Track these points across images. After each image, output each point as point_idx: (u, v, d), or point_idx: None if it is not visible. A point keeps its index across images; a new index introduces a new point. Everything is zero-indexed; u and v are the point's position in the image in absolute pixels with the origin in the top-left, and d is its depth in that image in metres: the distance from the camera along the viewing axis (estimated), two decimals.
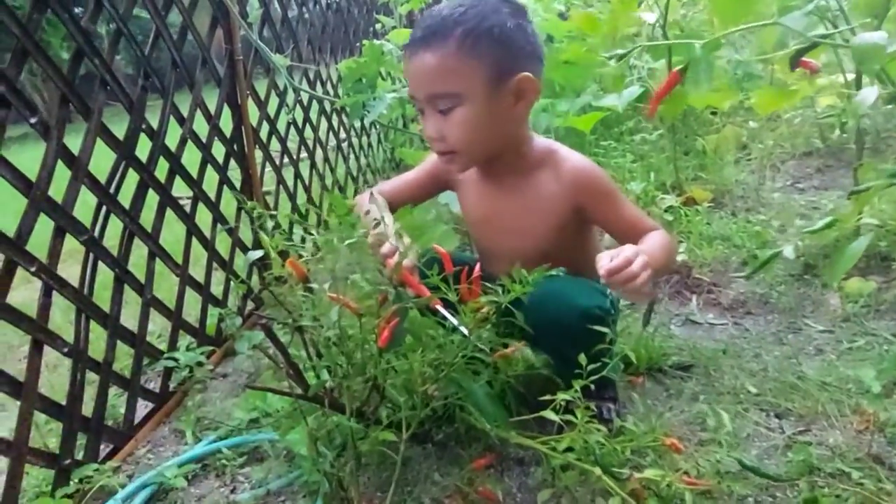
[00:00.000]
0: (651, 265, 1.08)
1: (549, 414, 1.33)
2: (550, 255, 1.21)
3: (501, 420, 1.17)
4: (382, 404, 1.29)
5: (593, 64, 3.28)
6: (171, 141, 1.88)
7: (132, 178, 1.73)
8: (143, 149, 1.76)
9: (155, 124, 1.81)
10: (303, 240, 1.06)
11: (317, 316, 1.08)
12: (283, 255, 1.15)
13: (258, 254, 1.15)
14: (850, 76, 1.82)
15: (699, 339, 1.87)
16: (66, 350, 1.51)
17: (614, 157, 2.90)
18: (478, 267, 1.14)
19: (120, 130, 1.68)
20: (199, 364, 1.91)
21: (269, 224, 1.20)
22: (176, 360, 1.86)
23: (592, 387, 1.22)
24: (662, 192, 2.58)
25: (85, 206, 1.57)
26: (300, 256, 1.09)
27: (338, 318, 1.04)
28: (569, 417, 1.20)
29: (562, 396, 1.23)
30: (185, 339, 2.05)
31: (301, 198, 2.79)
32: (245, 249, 2.31)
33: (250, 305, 2.39)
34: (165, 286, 2.19)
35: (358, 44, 3.07)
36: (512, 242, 1.41)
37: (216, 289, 2.20)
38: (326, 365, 1.22)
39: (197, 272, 2.09)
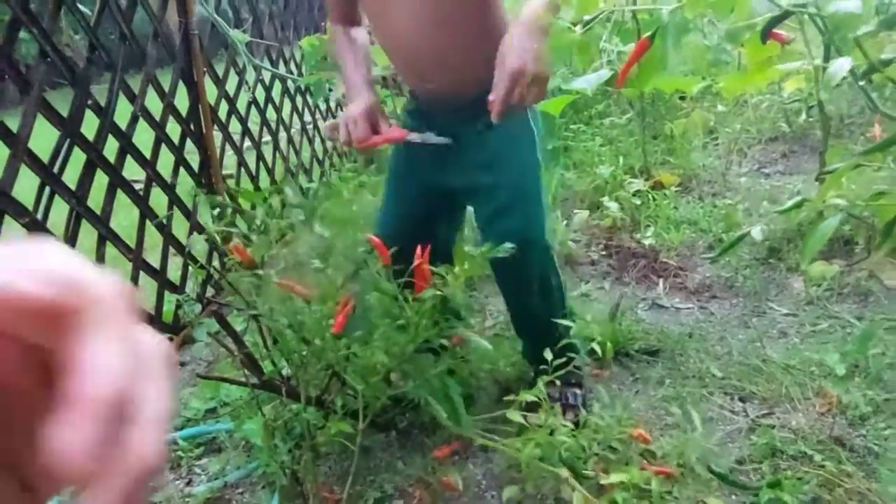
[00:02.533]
0: (529, 58, 1.01)
1: (513, 415, 1.29)
2: (454, 18, 1.19)
3: (457, 415, 1.14)
4: (341, 392, 1.24)
5: (563, 45, 3.25)
6: (122, 119, 1.79)
7: (78, 157, 1.64)
8: (90, 127, 1.67)
9: (103, 102, 1.71)
10: (250, 226, 1.00)
11: (269, 304, 1.02)
12: (228, 240, 1.09)
13: (200, 239, 1.08)
14: (818, 61, 1.82)
15: (665, 323, 1.86)
16: None
17: (584, 141, 2.87)
18: (424, 252, 1.04)
19: (65, 109, 1.58)
20: None
21: (223, 208, 1.14)
22: None
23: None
24: (631, 176, 2.56)
25: (27, 187, 1.49)
26: (248, 242, 1.04)
27: (289, 304, 0.98)
28: (534, 398, 1.17)
29: (524, 396, 1.21)
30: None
31: (264, 181, 2.71)
32: (203, 231, 2.22)
33: (210, 291, 2.31)
34: (119, 272, 2.10)
35: (323, 22, 2.98)
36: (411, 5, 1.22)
37: (174, 274, 2.12)
38: (283, 353, 1.17)
39: (153, 258, 2.00)
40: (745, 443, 1.38)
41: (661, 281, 2.06)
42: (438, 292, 0.94)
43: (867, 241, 1.93)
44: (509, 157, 1.31)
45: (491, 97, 1.02)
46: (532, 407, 1.23)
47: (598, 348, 1.55)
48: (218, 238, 1.09)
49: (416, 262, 0.95)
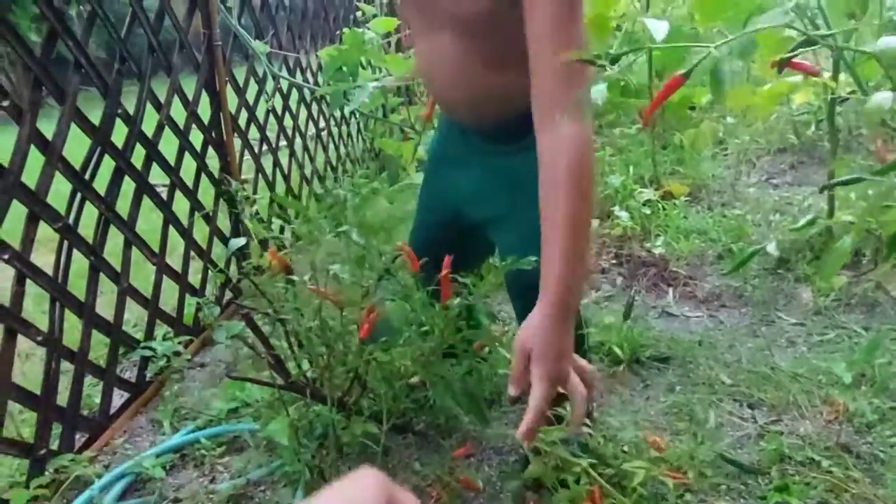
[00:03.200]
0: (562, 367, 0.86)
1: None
2: (483, 32, 1.01)
3: (477, 413, 1.18)
4: (364, 395, 1.29)
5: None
6: (148, 127, 1.84)
7: (108, 164, 1.70)
8: (119, 135, 1.73)
9: (131, 110, 1.77)
10: (281, 230, 1.05)
11: (298, 307, 1.07)
12: (264, 244, 1.14)
13: (241, 241, 1.13)
14: (827, 75, 1.86)
15: (676, 331, 1.90)
16: (39, 339, 1.48)
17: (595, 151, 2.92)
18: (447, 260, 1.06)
19: (95, 116, 1.64)
20: (177, 354, 1.88)
21: (249, 211, 1.19)
22: (153, 349, 1.84)
23: None
24: (640, 186, 2.61)
25: (59, 192, 1.54)
26: (280, 248, 1.08)
27: (318, 310, 1.03)
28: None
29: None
30: (162, 329, 2.02)
31: (280, 186, 2.76)
32: (223, 238, 2.28)
33: (228, 295, 2.37)
34: (142, 275, 2.16)
35: (338, 31, 3.04)
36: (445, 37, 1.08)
37: (194, 277, 2.17)
38: (307, 355, 1.22)
39: (174, 261, 2.05)
40: (754, 449, 1.42)
41: (671, 290, 2.10)
42: (464, 301, 0.98)
43: (874, 253, 1.97)
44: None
45: (522, 427, 0.84)
46: None
47: (617, 350, 1.59)
48: (256, 239, 1.13)
49: (442, 273, 0.99)
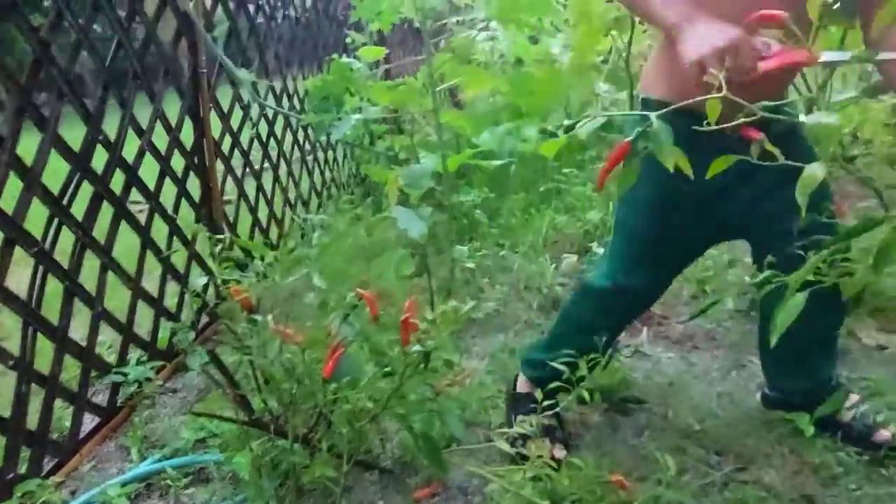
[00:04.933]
0: None
1: (501, 444, 1.36)
2: None
3: (432, 459, 1.19)
4: (328, 433, 1.29)
5: (559, 90, 3.35)
6: (129, 151, 1.85)
7: (87, 189, 1.70)
8: (100, 159, 1.73)
9: (113, 134, 1.78)
10: (244, 267, 1.06)
11: (261, 345, 1.07)
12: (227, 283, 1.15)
13: (202, 281, 1.14)
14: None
15: (648, 372, 1.91)
16: (11, 363, 1.47)
17: (575, 185, 2.96)
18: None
19: (76, 137, 1.64)
20: (148, 379, 1.87)
21: (221, 245, 1.20)
22: (124, 374, 1.82)
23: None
24: None
25: (36, 214, 1.54)
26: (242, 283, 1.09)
27: (280, 348, 1.04)
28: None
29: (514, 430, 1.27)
30: (136, 353, 2.01)
31: (263, 211, 2.77)
32: (202, 263, 2.28)
33: (206, 319, 2.36)
34: (118, 298, 2.15)
35: (327, 58, 3.07)
36: None
37: (170, 301, 2.16)
38: (274, 391, 1.22)
39: (151, 284, 2.05)
40: (719, 498, 1.42)
41: (644, 329, 2.12)
42: (422, 348, 0.99)
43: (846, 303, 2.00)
44: None
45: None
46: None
47: (586, 394, 1.60)
48: (218, 277, 1.14)
49: (403, 318, 1.00)
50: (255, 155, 2.77)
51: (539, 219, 2.84)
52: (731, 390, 1.79)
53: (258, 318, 1.09)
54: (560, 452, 1.49)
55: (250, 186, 2.73)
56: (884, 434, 1.46)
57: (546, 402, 1.34)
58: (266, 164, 2.84)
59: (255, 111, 2.65)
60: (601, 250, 2.47)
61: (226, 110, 2.40)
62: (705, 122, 0.85)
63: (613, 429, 1.68)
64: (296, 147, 3.12)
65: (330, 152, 3.57)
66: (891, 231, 0.75)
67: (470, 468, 1.34)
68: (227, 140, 2.45)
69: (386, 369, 1.11)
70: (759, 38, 0.97)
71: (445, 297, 2.33)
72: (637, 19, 2.51)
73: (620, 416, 1.72)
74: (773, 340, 0.93)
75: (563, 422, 1.61)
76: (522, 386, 1.67)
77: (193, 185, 2.28)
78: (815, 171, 0.76)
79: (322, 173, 3.45)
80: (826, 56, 0.90)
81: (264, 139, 2.79)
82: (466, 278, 2.52)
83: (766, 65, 0.94)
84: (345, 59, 2.59)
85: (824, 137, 0.78)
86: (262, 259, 1.19)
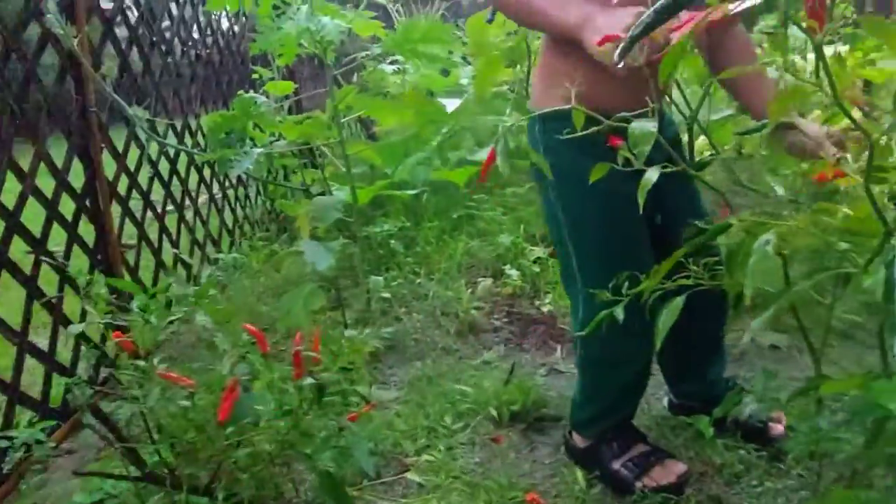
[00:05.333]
0: None
1: (415, 475, 1.34)
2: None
3: (340, 497, 1.15)
4: (231, 481, 1.22)
5: (467, 119, 3.43)
6: (9, 198, 1.74)
7: None
8: None
9: None
10: (125, 309, 1.00)
11: (145, 392, 1.01)
12: (117, 327, 1.09)
13: (79, 328, 1.07)
14: None
15: (563, 389, 1.93)
16: None
17: (487, 210, 3.01)
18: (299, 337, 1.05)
19: None
20: (39, 442, 1.73)
21: (102, 290, 1.14)
22: (10, 438, 1.68)
23: None
24: (531, 244, 2.70)
25: None
26: (125, 330, 1.03)
27: (168, 396, 0.98)
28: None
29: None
30: (27, 414, 1.86)
31: (167, 254, 2.66)
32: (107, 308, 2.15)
33: (105, 372, 2.21)
34: (6, 355, 1.99)
35: (233, 95, 3.01)
36: None
37: (64, 356, 2.02)
38: (165, 441, 1.15)
39: (40, 338, 1.91)
40: None
41: (559, 347, 2.16)
42: (315, 381, 0.97)
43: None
44: None
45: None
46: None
47: (494, 412, 1.62)
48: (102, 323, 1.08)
49: (294, 349, 0.97)
50: (160, 196, 2.67)
51: (453, 245, 2.86)
52: (641, 399, 1.84)
53: (143, 363, 1.03)
54: (681, 466, 1.47)
55: (153, 229, 2.62)
56: (778, 428, 1.53)
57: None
58: (171, 206, 2.74)
59: (154, 150, 2.56)
60: (514, 273, 2.51)
61: (121, 150, 2.30)
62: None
63: (531, 449, 1.69)
64: (202, 186, 3.03)
65: (241, 189, 3.49)
66: (739, 234, 0.80)
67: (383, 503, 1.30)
68: (124, 181, 2.35)
69: (285, 407, 1.07)
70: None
71: (362, 329, 2.30)
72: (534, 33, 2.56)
73: (536, 435, 1.73)
74: (658, 344, 0.96)
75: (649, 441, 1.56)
76: (583, 442, 1.56)
77: (88, 231, 2.17)
78: (650, 176, 0.81)
79: (234, 211, 3.36)
80: (735, 6, 0.86)
81: (166, 179, 2.69)
82: (383, 308, 2.50)
83: (679, 32, 0.94)
84: (252, 94, 2.56)
85: (642, 142, 0.82)
86: (153, 298, 1.13)
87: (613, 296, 1.04)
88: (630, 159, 0.87)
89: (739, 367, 1.94)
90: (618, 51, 0.90)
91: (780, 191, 0.96)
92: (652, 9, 0.82)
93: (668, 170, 0.88)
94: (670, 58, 0.85)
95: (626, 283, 1.06)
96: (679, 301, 0.97)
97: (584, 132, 0.92)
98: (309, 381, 0.97)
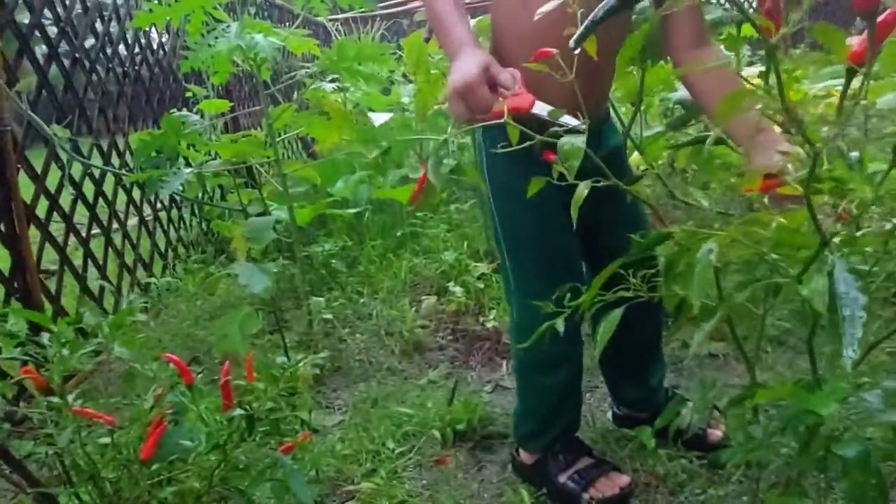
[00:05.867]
0: None
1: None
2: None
3: None
4: None
5: (412, 137, 3.42)
6: None
7: None
8: None
9: None
10: (38, 343, 0.93)
11: (58, 431, 0.93)
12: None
13: None
14: None
15: (509, 406, 1.91)
16: None
17: (431, 227, 2.99)
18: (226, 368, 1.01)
19: None
20: None
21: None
22: None
23: None
24: (475, 260, 2.69)
25: None
26: (38, 365, 0.95)
27: (80, 433, 0.91)
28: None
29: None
30: None
31: (93, 279, 2.52)
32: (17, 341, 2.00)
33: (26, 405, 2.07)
34: None
35: (163, 114, 2.90)
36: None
37: None
38: (82, 483, 1.06)
39: None
40: None
41: (504, 363, 2.15)
42: (246, 412, 0.91)
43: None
44: None
45: None
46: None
47: (437, 434, 1.58)
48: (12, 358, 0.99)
49: (221, 379, 0.92)
50: (84, 220, 2.53)
51: (397, 263, 2.83)
52: (585, 413, 1.84)
53: (56, 400, 0.95)
54: (625, 478, 1.46)
55: (78, 254, 2.49)
56: (716, 434, 1.56)
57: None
58: (96, 229, 2.61)
59: (78, 171, 2.43)
60: (458, 290, 2.50)
61: (39, 171, 2.17)
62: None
63: (479, 469, 1.66)
64: (132, 207, 2.90)
65: (175, 211, 3.35)
66: (673, 247, 0.80)
67: None
68: (44, 203, 2.22)
69: (215, 442, 1.01)
70: (507, 72, 1.03)
71: (304, 352, 2.23)
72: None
73: (483, 454, 1.70)
74: (597, 353, 0.96)
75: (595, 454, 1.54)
76: (530, 458, 1.53)
77: (3, 256, 2.03)
78: (581, 190, 0.81)
79: (166, 233, 3.23)
80: (538, 108, 1.01)
81: (92, 201, 2.56)
82: (326, 330, 2.44)
83: (496, 109, 1.00)
84: (183, 112, 2.47)
85: (571, 157, 0.82)
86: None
87: (548, 305, 1.04)
88: (564, 174, 0.87)
89: (679, 376, 1.98)
90: (573, 40, 0.91)
91: (706, 203, 0.97)
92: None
93: (601, 184, 0.88)
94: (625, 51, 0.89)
95: (561, 293, 1.06)
96: (617, 313, 0.97)
97: (520, 146, 0.93)
98: (238, 412, 0.91)
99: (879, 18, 0.65)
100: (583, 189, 0.82)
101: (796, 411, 0.72)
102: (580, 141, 0.81)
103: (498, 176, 1.36)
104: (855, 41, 0.67)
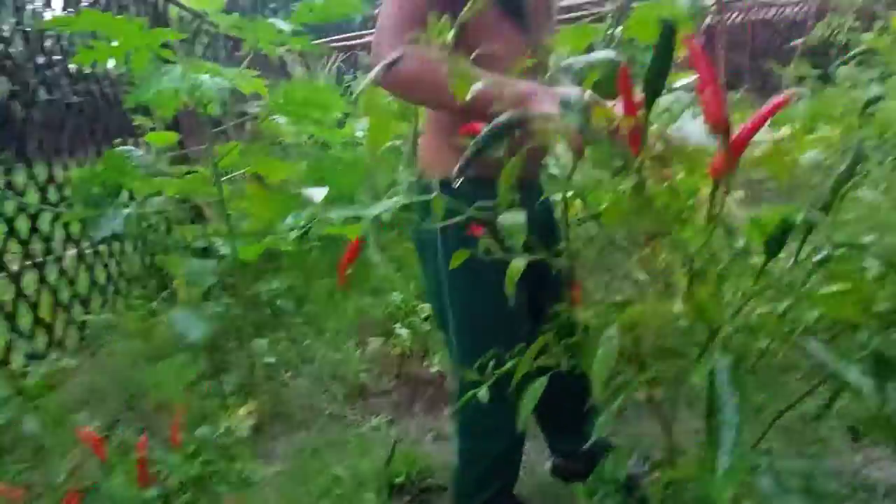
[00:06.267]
0: None
1: None
2: None
3: None
4: None
5: (361, 173, 3.42)
6: None
7: None
8: None
9: None
10: None
11: None
12: None
13: None
14: None
15: (449, 456, 1.90)
16: None
17: (378, 267, 2.98)
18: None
19: None
20: None
21: None
22: None
23: None
24: (422, 301, 2.68)
25: None
26: None
27: None
28: None
29: None
30: None
31: (26, 318, 2.42)
32: None
33: None
34: None
35: (107, 147, 2.84)
36: None
37: None
38: None
39: None
40: None
41: (446, 409, 2.13)
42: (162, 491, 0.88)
43: None
44: None
45: None
46: None
47: (374, 496, 1.57)
48: None
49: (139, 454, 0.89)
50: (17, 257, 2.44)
51: (344, 303, 2.80)
52: (525, 463, 1.84)
53: None
54: None
55: (9, 291, 2.39)
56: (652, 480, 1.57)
57: None
58: (28, 263, 2.51)
59: (10, 206, 2.35)
60: (404, 332, 2.49)
61: None
62: None
63: None
64: (70, 241, 2.80)
65: (117, 244, 3.26)
66: (592, 318, 0.83)
67: None
68: None
69: None
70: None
71: (243, 399, 2.17)
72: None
73: None
74: (520, 425, 0.97)
75: None
76: None
77: None
78: (518, 263, 0.82)
79: (107, 267, 3.13)
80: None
81: (26, 235, 2.47)
82: (268, 374, 2.39)
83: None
84: (128, 146, 2.42)
85: (514, 234, 0.84)
86: None
87: (482, 373, 1.04)
88: (490, 248, 0.88)
89: (617, 423, 2.00)
90: (457, 166, 0.87)
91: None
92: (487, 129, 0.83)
93: (537, 258, 0.89)
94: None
95: (494, 361, 1.07)
96: (542, 381, 0.98)
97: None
98: (152, 492, 0.88)
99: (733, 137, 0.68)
100: (518, 263, 0.82)
101: (700, 493, 0.73)
102: (520, 216, 0.80)
103: (451, 234, 1.25)
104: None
